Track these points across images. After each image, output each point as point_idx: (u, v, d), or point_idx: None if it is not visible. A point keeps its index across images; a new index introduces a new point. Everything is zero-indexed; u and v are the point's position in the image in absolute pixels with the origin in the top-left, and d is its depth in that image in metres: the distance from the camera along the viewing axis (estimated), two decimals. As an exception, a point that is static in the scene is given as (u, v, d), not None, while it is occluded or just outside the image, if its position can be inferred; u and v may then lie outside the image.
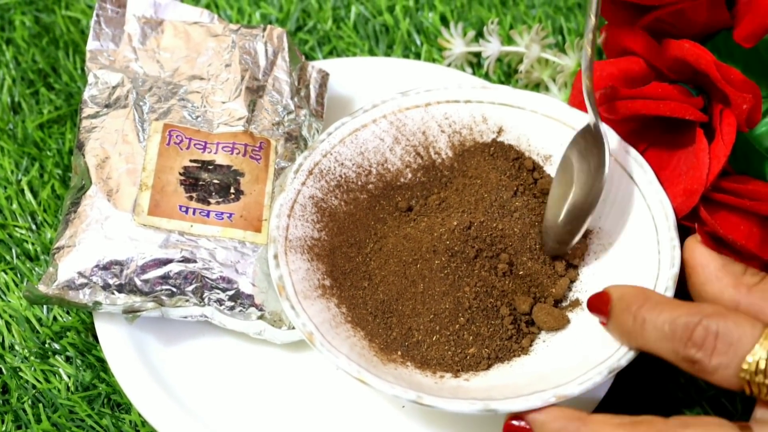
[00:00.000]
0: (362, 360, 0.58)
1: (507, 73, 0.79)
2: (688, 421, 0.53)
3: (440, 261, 0.61)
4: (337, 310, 0.61)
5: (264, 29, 0.70)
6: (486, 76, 0.79)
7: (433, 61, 0.80)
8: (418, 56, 0.81)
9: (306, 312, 0.59)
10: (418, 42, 0.81)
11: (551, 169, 0.67)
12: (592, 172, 0.62)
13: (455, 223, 0.62)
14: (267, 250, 0.62)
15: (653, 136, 0.66)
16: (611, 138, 0.65)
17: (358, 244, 0.65)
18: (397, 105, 0.68)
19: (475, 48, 0.77)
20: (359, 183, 0.67)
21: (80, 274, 0.60)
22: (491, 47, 0.76)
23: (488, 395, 0.57)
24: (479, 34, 0.82)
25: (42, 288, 0.60)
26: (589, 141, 0.63)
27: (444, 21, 0.82)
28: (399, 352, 0.61)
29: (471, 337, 0.61)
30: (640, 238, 0.63)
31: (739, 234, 0.61)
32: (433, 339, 0.61)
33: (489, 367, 0.61)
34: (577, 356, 0.59)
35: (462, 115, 0.69)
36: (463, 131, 0.68)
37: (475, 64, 0.79)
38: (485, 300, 0.61)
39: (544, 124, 0.68)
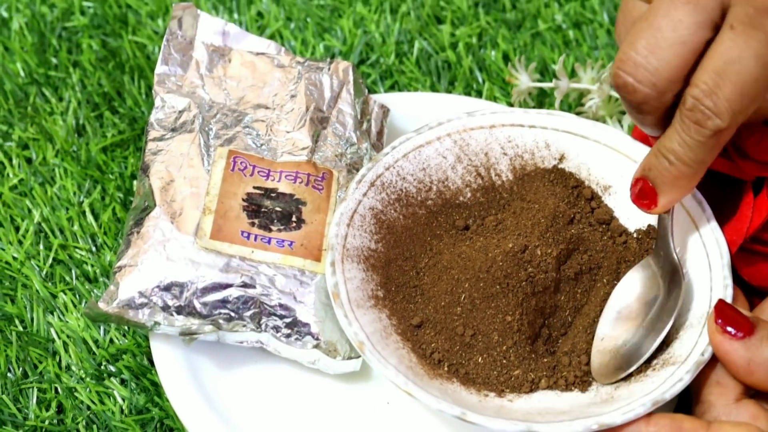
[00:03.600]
0: (410, 372, 0.58)
1: (568, 107, 0.79)
2: None
3: (492, 282, 0.61)
4: (388, 322, 0.62)
5: (330, 62, 0.71)
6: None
7: (495, 99, 0.80)
8: (479, 94, 0.81)
9: (358, 321, 0.60)
10: (480, 79, 0.81)
11: (609, 199, 0.67)
12: (662, 316, 0.61)
13: (510, 246, 0.62)
14: (325, 258, 0.62)
15: (705, 178, 0.65)
16: None
17: (414, 259, 0.65)
18: (462, 125, 0.68)
19: (539, 84, 0.77)
20: (419, 198, 0.67)
21: (141, 293, 0.61)
22: (562, 84, 0.76)
23: (530, 417, 0.57)
24: (541, 73, 0.82)
25: (102, 306, 0.61)
26: (666, 277, 0.62)
27: (506, 59, 0.83)
28: (445, 368, 0.61)
29: (517, 360, 0.61)
30: (693, 275, 0.62)
31: None
32: (480, 358, 0.61)
33: (532, 390, 0.61)
34: (620, 388, 0.60)
35: (525, 140, 0.69)
36: (525, 155, 0.69)
37: (535, 98, 0.79)
38: (533, 324, 0.62)
39: (605, 155, 0.67)
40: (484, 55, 0.83)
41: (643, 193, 0.59)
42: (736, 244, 0.61)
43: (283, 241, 0.63)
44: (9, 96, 0.79)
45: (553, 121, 0.69)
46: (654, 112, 0.57)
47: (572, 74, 0.79)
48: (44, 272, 0.71)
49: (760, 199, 0.61)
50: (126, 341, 0.67)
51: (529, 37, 0.84)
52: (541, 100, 0.80)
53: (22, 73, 0.81)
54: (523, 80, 0.77)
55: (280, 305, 0.61)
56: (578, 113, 0.77)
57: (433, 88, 0.81)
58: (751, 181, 0.62)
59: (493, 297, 0.61)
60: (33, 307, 0.69)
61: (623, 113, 0.75)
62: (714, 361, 0.58)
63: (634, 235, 0.66)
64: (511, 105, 0.79)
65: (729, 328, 0.57)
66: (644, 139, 0.66)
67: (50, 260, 0.71)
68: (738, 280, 0.63)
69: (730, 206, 0.64)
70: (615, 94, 0.75)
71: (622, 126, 0.75)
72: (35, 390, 0.66)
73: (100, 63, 0.81)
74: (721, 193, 0.65)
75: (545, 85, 0.77)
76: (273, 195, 0.65)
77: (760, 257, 0.63)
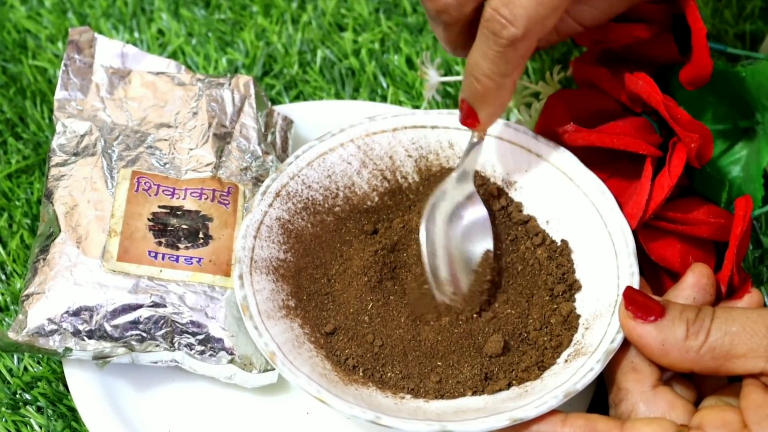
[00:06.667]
0: (323, 380, 0.59)
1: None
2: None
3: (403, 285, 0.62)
4: (300, 331, 0.62)
5: (231, 78, 0.71)
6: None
7: (400, 103, 0.81)
8: (384, 99, 0.81)
9: (269, 332, 0.60)
10: (384, 84, 0.82)
11: (515, 194, 0.68)
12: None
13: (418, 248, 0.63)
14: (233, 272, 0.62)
15: (617, 166, 0.67)
16: (575, 166, 0.66)
17: (324, 266, 0.66)
18: (364, 129, 0.69)
19: (450, 78, 0.78)
20: (326, 205, 0.68)
21: (50, 320, 0.60)
22: None
23: (445, 417, 0.58)
24: (446, 74, 0.83)
25: (12, 335, 0.60)
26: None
27: (410, 63, 0.83)
28: (361, 373, 0.61)
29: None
30: (599, 265, 0.64)
31: (676, 258, 0.63)
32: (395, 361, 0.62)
33: None
34: (534, 382, 0.61)
35: (429, 141, 0.69)
36: (430, 156, 0.69)
37: (442, 94, 0.80)
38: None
39: (509, 151, 0.68)
40: (387, 60, 0.83)
41: (465, 113, 0.62)
42: (635, 218, 0.63)
43: (191, 258, 0.63)
44: None
45: (454, 120, 0.69)
46: (454, 24, 0.60)
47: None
48: (-46, 304, 0.70)
49: (662, 176, 0.63)
50: (40, 368, 0.67)
51: (431, 39, 0.85)
52: (447, 102, 0.81)
53: None
54: (432, 75, 0.78)
55: (192, 322, 0.62)
56: None
57: (338, 96, 0.82)
58: (653, 157, 0.64)
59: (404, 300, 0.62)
60: (-56, 340, 0.68)
61: (529, 105, 0.77)
62: (628, 346, 0.59)
63: (545, 227, 0.67)
64: (417, 108, 0.80)
65: (640, 313, 0.58)
66: (547, 133, 0.68)
67: (-40, 291, 0.70)
68: (648, 262, 0.65)
69: (632, 184, 0.65)
70: (523, 83, 0.76)
71: (530, 115, 0.76)
72: (-49, 424, 0.65)
73: (1, 89, 0.80)
74: (632, 175, 0.66)
75: (455, 78, 0.78)
76: (179, 213, 0.65)
77: (665, 235, 0.64)
